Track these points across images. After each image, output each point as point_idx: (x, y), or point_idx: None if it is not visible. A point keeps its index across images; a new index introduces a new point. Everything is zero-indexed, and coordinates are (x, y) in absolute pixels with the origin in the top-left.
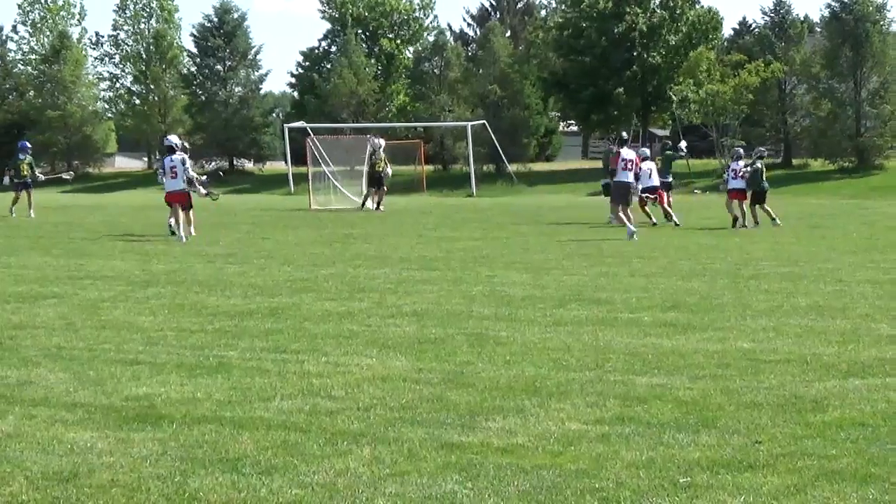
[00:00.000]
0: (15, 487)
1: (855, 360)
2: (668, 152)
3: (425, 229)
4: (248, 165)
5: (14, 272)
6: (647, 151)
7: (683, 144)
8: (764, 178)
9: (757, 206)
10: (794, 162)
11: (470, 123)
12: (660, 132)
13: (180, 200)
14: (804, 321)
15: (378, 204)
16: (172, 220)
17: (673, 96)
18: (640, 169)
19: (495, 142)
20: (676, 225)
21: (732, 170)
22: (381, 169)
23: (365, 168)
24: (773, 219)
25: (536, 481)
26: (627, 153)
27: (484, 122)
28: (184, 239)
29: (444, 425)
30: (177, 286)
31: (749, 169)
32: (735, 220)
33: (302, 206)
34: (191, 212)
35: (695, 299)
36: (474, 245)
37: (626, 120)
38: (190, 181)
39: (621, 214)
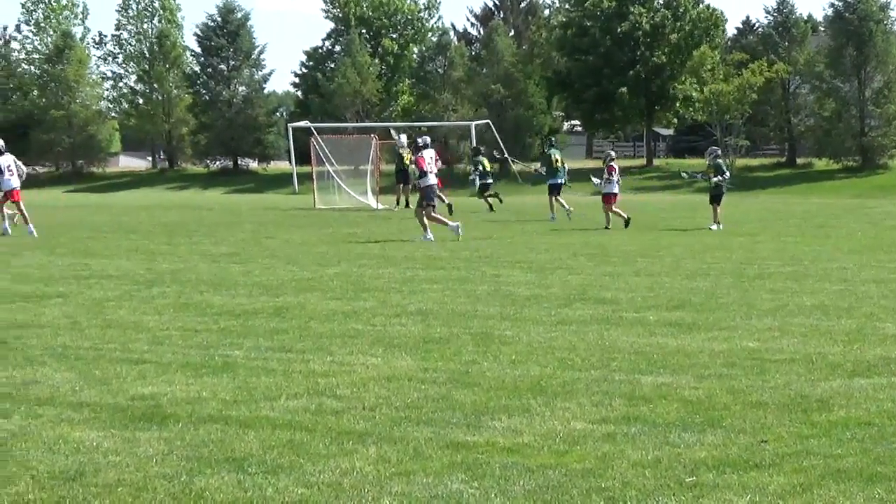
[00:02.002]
0: (21, 487)
1: (860, 359)
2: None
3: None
4: (253, 165)
5: (19, 271)
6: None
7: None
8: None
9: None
10: (799, 161)
11: (474, 123)
12: (664, 132)
13: (18, 197)
14: (809, 321)
15: (406, 202)
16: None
17: (678, 94)
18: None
19: (499, 141)
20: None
21: (611, 173)
22: (406, 166)
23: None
24: (712, 220)
25: (542, 481)
26: (429, 153)
27: (488, 121)
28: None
29: (450, 425)
30: (182, 285)
31: (718, 177)
32: (627, 220)
33: (306, 205)
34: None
35: (700, 299)
36: (479, 244)
37: (630, 119)
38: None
39: (426, 218)
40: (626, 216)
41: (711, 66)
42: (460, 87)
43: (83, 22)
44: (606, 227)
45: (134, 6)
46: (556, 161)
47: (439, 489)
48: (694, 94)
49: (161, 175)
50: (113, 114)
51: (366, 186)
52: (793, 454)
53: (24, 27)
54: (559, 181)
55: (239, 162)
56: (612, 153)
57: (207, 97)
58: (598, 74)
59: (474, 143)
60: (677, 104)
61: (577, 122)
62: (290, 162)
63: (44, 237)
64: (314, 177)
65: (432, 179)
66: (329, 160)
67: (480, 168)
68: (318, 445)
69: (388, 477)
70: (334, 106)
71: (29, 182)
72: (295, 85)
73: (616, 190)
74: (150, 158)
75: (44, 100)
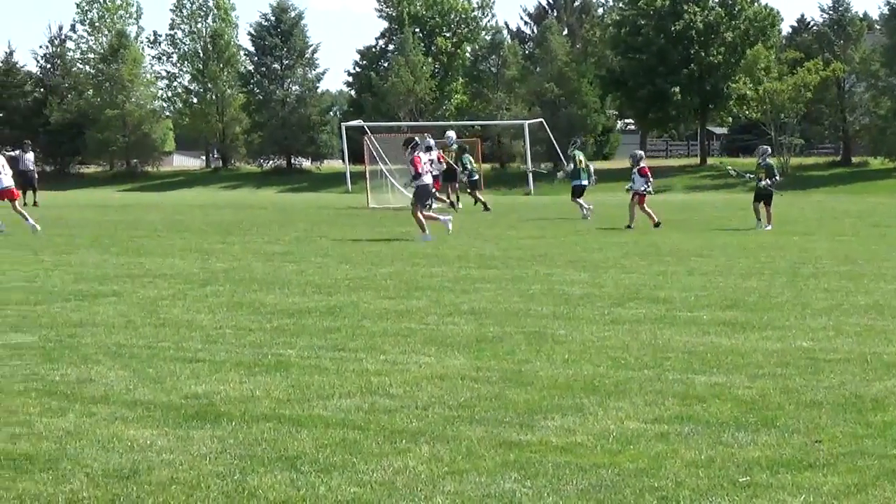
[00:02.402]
0: (75, 485)
1: None
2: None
3: (483, 228)
4: (306, 164)
5: (74, 270)
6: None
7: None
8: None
9: (762, 204)
10: (854, 160)
11: (527, 122)
12: (718, 130)
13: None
14: (864, 320)
15: (457, 199)
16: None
17: (732, 93)
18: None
19: (553, 140)
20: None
21: (644, 174)
22: (457, 164)
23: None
24: (765, 221)
25: (595, 480)
26: (426, 157)
27: (541, 120)
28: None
29: (503, 424)
30: (235, 284)
31: (768, 180)
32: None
33: (360, 204)
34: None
35: (754, 298)
36: (532, 243)
37: (684, 118)
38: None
39: (420, 216)
40: (631, 223)
41: (766, 65)
42: (514, 86)
43: (137, 21)
44: (656, 225)
45: (188, 5)
46: (581, 162)
47: (492, 488)
48: (748, 92)
49: (215, 174)
50: (167, 113)
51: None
52: (847, 454)
53: (79, 27)
54: (583, 183)
55: (292, 161)
56: (642, 153)
57: (261, 96)
58: (651, 73)
59: (526, 143)
60: (731, 103)
61: (630, 120)
62: (344, 161)
63: (98, 236)
64: (367, 176)
65: (427, 180)
66: (382, 159)
67: (469, 167)
68: (371, 444)
69: (440, 476)
70: (388, 105)
71: (83, 181)
72: (348, 84)
73: (642, 189)
74: (203, 157)
75: (98, 99)
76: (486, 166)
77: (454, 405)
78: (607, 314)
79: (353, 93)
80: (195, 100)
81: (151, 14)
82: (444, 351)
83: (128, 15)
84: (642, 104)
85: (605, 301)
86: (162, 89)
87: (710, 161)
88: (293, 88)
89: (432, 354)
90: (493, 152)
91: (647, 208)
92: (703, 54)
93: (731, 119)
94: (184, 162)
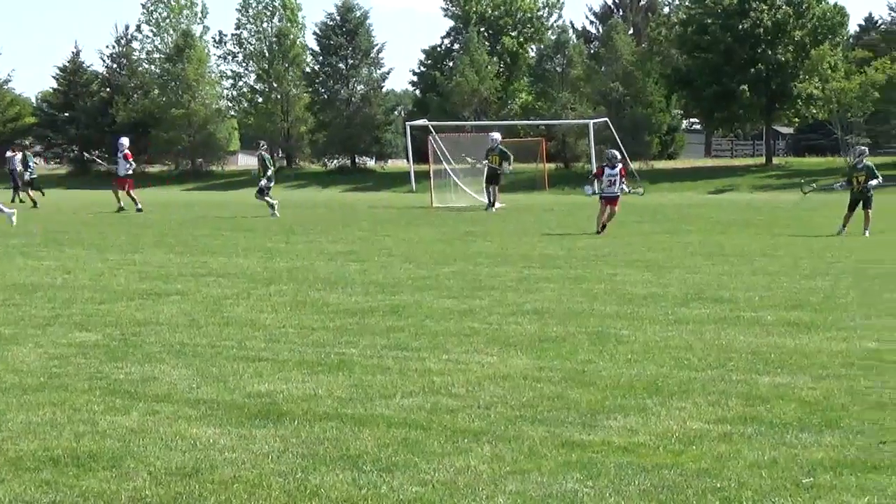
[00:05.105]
0: (138, 482)
1: None
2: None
3: (546, 227)
4: (370, 163)
5: (138, 269)
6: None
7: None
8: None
9: (860, 208)
10: None
11: (592, 121)
12: (784, 130)
13: None
14: None
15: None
16: None
17: (800, 93)
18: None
19: (618, 140)
20: None
21: (608, 176)
22: (498, 166)
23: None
24: (864, 225)
25: (657, 480)
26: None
27: (606, 119)
28: None
29: (565, 424)
30: (298, 283)
31: (874, 181)
32: (604, 226)
33: (423, 203)
34: None
35: (818, 298)
36: (596, 243)
37: (750, 118)
38: None
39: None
40: (601, 226)
41: (831, 64)
42: (579, 86)
43: (202, 21)
44: (601, 229)
45: (254, 5)
46: (269, 162)
47: (554, 488)
48: (815, 92)
49: (279, 173)
50: (232, 112)
51: (483, 185)
52: None
53: (144, 27)
54: (263, 183)
55: (356, 160)
56: (616, 152)
57: (326, 96)
58: (718, 72)
59: (591, 143)
60: (798, 102)
61: (695, 120)
62: (408, 160)
63: (162, 235)
64: (431, 175)
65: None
66: (447, 158)
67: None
68: (433, 444)
69: (502, 476)
70: (452, 104)
71: (149, 180)
72: (413, 83)
73: (615, 193)
74: None
75: (164, 99)
76: (551, 165)
77: (516, 405)
78: (671, 314)
79: (417, 92)
80: (260, 99)
81: (217, 14)
82: (507, 350)
83: (193, 14)
84: (708, 103)
85: (669, 301)
86: (227, 89)
87: (775, 161)
88: (358, 88)
89: (495, 354)
90: (557, 152)
91: (615, 209)
92: (770, 53)
93: (797, 119)
94: (249, 161)
